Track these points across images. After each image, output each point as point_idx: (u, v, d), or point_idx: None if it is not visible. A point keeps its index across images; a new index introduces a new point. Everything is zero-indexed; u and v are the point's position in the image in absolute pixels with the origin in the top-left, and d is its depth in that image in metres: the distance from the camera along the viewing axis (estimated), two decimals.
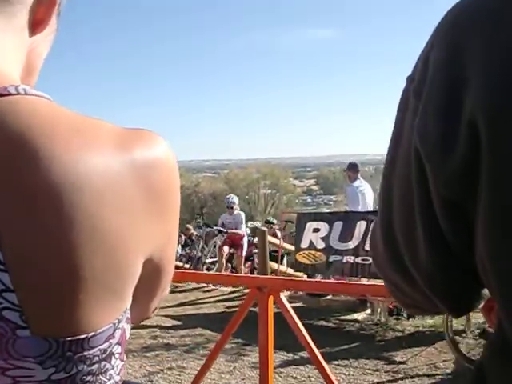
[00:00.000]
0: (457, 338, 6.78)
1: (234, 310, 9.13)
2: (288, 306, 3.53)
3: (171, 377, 6.46)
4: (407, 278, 0.86)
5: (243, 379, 6.34)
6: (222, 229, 12.63)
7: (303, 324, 3.59)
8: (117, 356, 0.79)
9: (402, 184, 0.82)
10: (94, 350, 0.74)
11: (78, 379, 0.74)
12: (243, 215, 13.04)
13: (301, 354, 6.62)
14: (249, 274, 11.32)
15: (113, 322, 0.76)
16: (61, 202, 0.68)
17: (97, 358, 0.75)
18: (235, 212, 12.80)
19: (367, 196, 9.94)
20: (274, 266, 10.57)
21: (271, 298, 3.47)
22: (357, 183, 9.97)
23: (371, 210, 9.66)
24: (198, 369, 6.54)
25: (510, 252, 0.69)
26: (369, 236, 8.34)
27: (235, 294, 10.40)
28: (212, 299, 10.02)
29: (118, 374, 0.81)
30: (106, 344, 0.76)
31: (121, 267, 0.75)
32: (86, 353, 0.73)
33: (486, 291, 0.82)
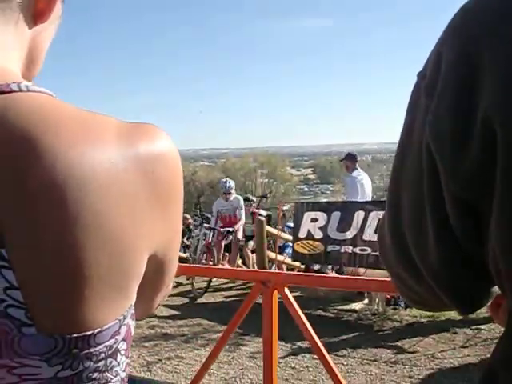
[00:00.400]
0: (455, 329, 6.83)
1: (231, 299, 9.17)
2: (293, 300, 3.53)
3: (170, 367, 6.48)
4: (414, 273, 0.85)
5: (241, 369, 6.36)
6: (213, 227, 11.66)
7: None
8: (122, 353, 0.79)
9: (411, 179, 0.82)
10: (100, 346, 0.74)
11: (85, 376, 0.73)
12: (242, 200, 12.01)
13: (299, 343, 6.65)
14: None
15: (118, 318, 0.76)
16: (65, 199, 0.68)
17: (103, 355, 0.75)
18: (232, 197, 11.72)
19: (366, 186, 9.91)
20: (272, 255, 10.58)
21: (276, 293, 3.47)
22: (355, 173, 9.91)
23: (369, 200, 9.67)
24: (197, 359, 6.61)
25: None
26: (366, 231, 8.38)
27: (232, 284, 10.42)
28: (210, 289, 10.03)
29: (124, 371, 0.81)
30: (112, 340, 0.75)
31: (126, 263, 0.74)
32: (92, 349, 0.73)
33: (494, 288, 0.82)
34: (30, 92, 0.74)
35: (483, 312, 6.59)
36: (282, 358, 6.46)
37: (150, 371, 6.34)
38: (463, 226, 0.76)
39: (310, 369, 6.18)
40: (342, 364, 6.29)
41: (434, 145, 0.75)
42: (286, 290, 3.52)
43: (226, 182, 12.05)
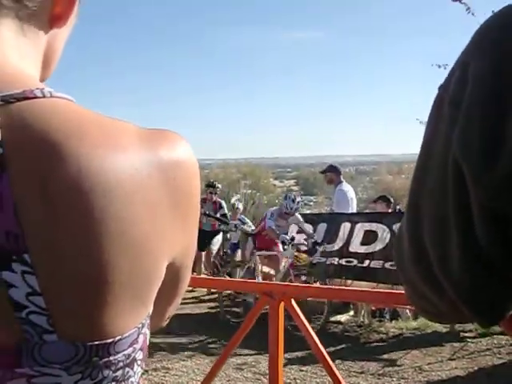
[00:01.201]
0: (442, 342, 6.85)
1: (217, 310, 9.13)
2: (299, 312, 3.52)
3: (156, 378, 6.44)
4: (435, 287, 0.85)
5: (228, 381, 6.35)
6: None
7: (289, 326, 3.60)
8: (139, 363, 0.78)
9: (434, 189, 0.82)
10: (119, 355, 0.73)
11: None
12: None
13: (298, 353, 6.64)
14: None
15: (137, 326, 0.75)
16: (90, 205, 0.68)
17: (121, 364, 0.74)
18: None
19: (354, 200, 9.94)
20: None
21: (282, 305, 3.46)
22: (345, 186, 9.90)
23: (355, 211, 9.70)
24: (183, 370, 6.60)
25: None
26: (352, 243, 8.41)
27: (217, 295, 10.38)
28: (195, 299, 10.00)
29: (138, 382, 0.80)
30: (130, 349, 0.75)
31: (147, 270, 0.74)
32: (111, 358, 0.72)
33: None
34: (52, 98, 0.73)
35: (469, 325, 6.66)
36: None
37: None
38: (489, 234, 0.76)
39: (311, 380, 6.17)
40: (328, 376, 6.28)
41: (463, 159, 0.75)
42: (293, 302, 3.51)
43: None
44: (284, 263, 9.01)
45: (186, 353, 7.24)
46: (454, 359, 6.64)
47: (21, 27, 0.79)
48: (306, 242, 8.88)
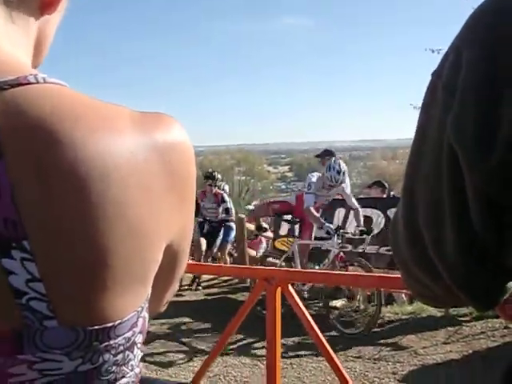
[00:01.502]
0: (437, 326, 6.87)
1: (213, 297, 9.14)
2: (296, 297, 3.54)
3: (153, 365, 6.46)
4: (430, 271, 0.85)
5: (225, 367, 6.37)
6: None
7: (284, 312, 3.61)
8: (139, 346, 0.79)
9: (429, 174, 0.82)
10: (120, 338, 0.74)
11: (104, 370, 0.73)
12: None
13: (295, 338, 6.65)
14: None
15: (137, 309, 0.76)
16: (87, 189, 0.68)
17: (121, 348, 0.75)
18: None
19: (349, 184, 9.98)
20: (252, 252, 10.58)
21: (279, 290, 3.47)
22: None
23: None
24: (180, 356, 6.60)
25: None
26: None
27: (214, 281, 10.39)
28: (192, 286, 10.00)
29: (138, 366, 0.81)
30: (130, 332, 0.75)
31: (145, 254, 0.74)
32: (112, 341, 0.73)
33: (510, 284, 0.82)
34: (46, 83, 0.74)
35: (464, 309, 6.69)
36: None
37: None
38: (484, 218, 0.76)
39: (308, 364, 6.19)
40: (326, 361, 6.30)
41: (458, 144, 0.75)
42: (290, 287, 3.52)
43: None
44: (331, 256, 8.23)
45: (182, 340, 7.26)
46: (449, 343, 6.66)
47: (9, 14, 0.79)
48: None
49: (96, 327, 0.70)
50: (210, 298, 9.20)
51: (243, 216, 10.90)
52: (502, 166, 0.72)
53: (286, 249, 8.93)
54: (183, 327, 7.85)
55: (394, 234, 0.94)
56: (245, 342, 7.04)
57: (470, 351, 6.34)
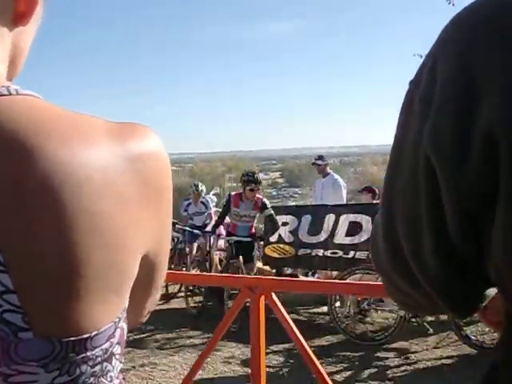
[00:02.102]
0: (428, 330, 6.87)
1: (197, 305, 9.10)
2: (280, 305, 3.53)
3: (144, 373, 6.43)
4: (409, 279, 0.86)
5: (215, 374, 6.34)
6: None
7: (273, 318, 3.62)
8: (117, 357, 0.79)
9: (407, 188, 0.82)
10: (97, 349, 0.73)
11: (81, 382, 0.73)
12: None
13: (280, 346, 6.64)
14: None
15: (114, 320, 0.75)
16: (60, 201, 0.68)
17: (99, 359, 0.74)
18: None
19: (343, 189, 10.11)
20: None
21: (263, 298, 3.47)
22: (336, 175, 10.15)
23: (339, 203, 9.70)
24: (171, 365, 6.59)
25: None
26: (337, 234, 8.40)
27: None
28: (182, 293, 9.97)
29: (118, 378, 0.81)
30: (108, 344, 0.75)
31: (120, 264, 0.74)
32: (89, 353, 0.72)
33: (488, 292, 0.83)
34: (19, 95, 0.74)
35: None
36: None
37: (123, 378, 6.23)
38: (462, 231, 0.77)
39: (294, 372, 6.18)
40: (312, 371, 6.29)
41: (434, 155, 0.75)
42: (274, 296, 3.52)
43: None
44: None
45: (173, 347, 7.24)
46: (440, 347, 6.69)
47: None
48: (290, 234, 8.86)
49: (72, 338, 0.70)
50: (200, 305, 9.15)
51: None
52: (478, 178, 0.72)
53: (277, 255, 8.92)
54: (174, 335, 7.82)
55: (374, 244, 0.94)
56: (236, 349, 7.02)
57: (461, 356, 6.36)
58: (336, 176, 10.27)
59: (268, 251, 9.06)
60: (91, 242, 0.70)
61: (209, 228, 10.44)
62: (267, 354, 6.56)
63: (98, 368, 0.75)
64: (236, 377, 6.34)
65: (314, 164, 10.55)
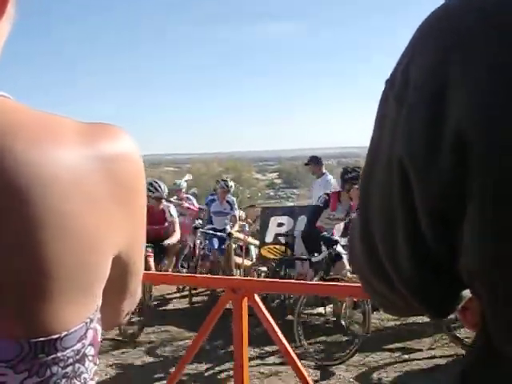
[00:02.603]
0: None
1: (199, 305, 9.12)
2: (262, 307, 3.53)
3: (138, 375, 6.42)
4: (386, 281, 0.86)
5: (195, 374, 6.34)
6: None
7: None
8: (90, 358, 0.78)
9: (382, 189, 0.83)
10: (68, 350, 0.73)
11: (52, 383, 0.72)
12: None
13: (268, 348, 6.65)
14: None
15: (85, 321, 0.75)
16: (28, 201, 0.67)
17: (70, 360, 0.74)
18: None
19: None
20: (239, 260, 10.56)
21: (245, 300, 3.47)
22: (329, 177, 10.08)
23: None
24: (166, 365, 6.58)
25: (499, 262, 0.70)
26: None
27: (199, 290, 10.36)
28: (177, 294, 9.98)
29: (92, 379, 0.80)
30: (79, 344, 0.74)
31: (90, 264, 0.74)
32: (59, 354, 0.72)
33: (464, 293, 0.83)
34: None
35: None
36: (252, 360, 6.47)
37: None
38: (436, 233, 0.77)
39: (281, 374, 6.18)
40: (311, 368, 6.30)
41: (407, 156, 0.76)
42: (256, 297, 3.52)
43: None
44: None
45: (167, 348, 7.26)
46: (434, 348, 6.70)
47: None
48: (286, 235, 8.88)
49: (41, 339, 0.69)
50: (195, 306, 9.17)
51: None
52: (449, 180, 0.72)
53: (273, 256, 8.93)
54: (168, 336, 7.82)
55: (352, 246, 0.95)
56: (217, 349, 7.05)
57: (455, 356, 6.37)
58: (329, 177, 10.22)
59: (264, 252, 9.08)
60: (60, 241, 0.69)
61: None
62: (256, 356, 6.66)
63: (69, 369, 0.74)
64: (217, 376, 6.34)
65: (306, 165, 10.53)
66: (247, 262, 10.29)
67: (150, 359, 6.90)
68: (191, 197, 11.38)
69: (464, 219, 0.72)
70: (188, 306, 9.26)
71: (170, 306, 9.54)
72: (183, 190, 11.10)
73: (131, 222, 0.82)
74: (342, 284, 4.22)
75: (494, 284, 0.72)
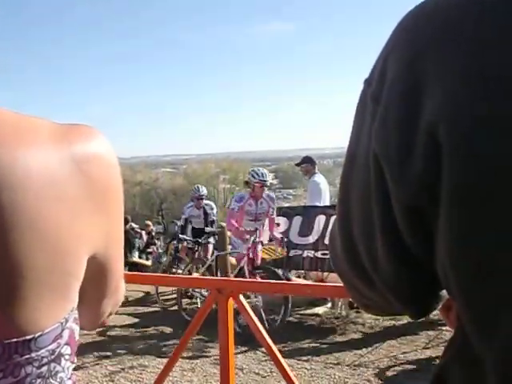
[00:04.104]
0: (417, 331, 6.88)
1: (195, 306, 9.10)
2: (247, 307, 3.53)
3: (133, 376, 6.42)
4: (366, 280, 0.86)
5: (205, 376, 6.33)
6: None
7: (265, 320, 3.60)
8: (67, 358, 0.78)
9: (360, 188, 0.82)
10: (42, 350, 0.73)
11: (28, 383, 0.72)
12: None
13: (263, 349, 6.63)
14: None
15: (60, 321, 0.75)
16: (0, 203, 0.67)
17: (45, 360, 0.74)
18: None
19: (326, 191, 9.92)
20: (233, 261, 10.54)
21: (231, 300, 3.47)
22: (317, 178, 9.90)
23: (328, 204, 9.68)
24: (160, 367, 6.53)
25: (471, 261, 0.69)
26: (326, 236, 8.41)
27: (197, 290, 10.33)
28: (172, 295, 9.97)
29: (70, 379, 0.80)
30: (54, 344, 0.74)
31: (64, 265, 0.74)
32: (33, 354, 0.72)
33: (444, 292, 0.83)
34: None
35: None
36: (246, 363, 6.47)
37: (112, 381, 6.26)
38: (412, 233, 0.77)
39: (274, 374, 6.16)
40: (306, 368, 6.30)
41: (381, 154, 0.76)
42: (241, 298, 3.51)
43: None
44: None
45: (162, 349, 7.21)
46: (429, 347, 6.69)
47: None
48: (281, 236, 8.86)
49: (14, 340, 0.69)
50: (191, 306, 9.15)
51: (225, 224, 10.85)
52: (422, 178, 0.72)
53: (268, 257, 8.92)
54: (163, 337, 7.80)
55: (333, 245, 0.94)
56: (205, 348, 7.05)
57: None
58: (315, 177, 10.01)
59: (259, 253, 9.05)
60: (32, 243, 0.69)
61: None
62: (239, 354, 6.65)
63: (44, 369, 0.74)
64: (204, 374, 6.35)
65: (297, 165, 10.41)
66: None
67: (145, 361, 6.88)
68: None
69: (437, 217, 0.72)
70: (184, 306, 9.23)
71: (166, 307, 9.52)
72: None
73: (107, 221, 0.82)
74: (330, 284, 4.20)
75: (467, 286, 0.72)
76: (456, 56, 0.70)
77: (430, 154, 0.70)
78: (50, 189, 0.72)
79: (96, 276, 0.84)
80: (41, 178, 0.71)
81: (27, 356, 0.71)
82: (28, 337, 0.71)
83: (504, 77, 0.66)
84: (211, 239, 10.23)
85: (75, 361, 0.82)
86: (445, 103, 0.69)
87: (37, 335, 0.71)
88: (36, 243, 0.70)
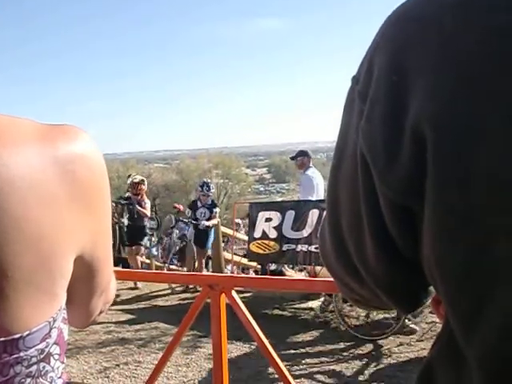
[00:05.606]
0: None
1: (188, 302, 9.11)
2: (240, 302, 3.53)
3: (128, 372, 6.41)
4: (355, 275, 0.87)
5: (200, 371, 6.33)
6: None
7: (259, 314, 3.61)
8: (56, 357, 0.78)
9: (348, 185, 0.83)
10: (31, 350, 0.73)
11: (17, 382, 0.72)
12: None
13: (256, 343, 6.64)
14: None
15: (48, 320, 0.75)
16: None
17: (34, 359, 0.74)
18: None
19: (320, 185, 9.90)
20: (228, 256, 10.56)
21: (223, 296, 3.47)
22: (311, 172, 9.87)
23: (322, 198, 9.69)
24: (155, 363, 6.54)
25: (456, 257, 0.70)
26: (319, 231, 8.42)
27: (191, 286, 10.35)
28: (166, 291, 9.97)
29: (60, 378, 0.80)
30: (43, 344, 0.75)
31: (50, 265, 0.74)
32: (22, 353, 0.72)
33: (432, 287, 0.83)
34: None
35: None
36: (240, 358, 6.48)
37: (107, 377, 6.26)
38: (399, 229, 0.77)
39: (269, 369, 6.19)
40: (300, 362, 6.31)
41: (367, 151, 0.76)
42: (234, 293, 3.52)
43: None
44: None
45: (157, 345, 7.22)
46: (423, 340, 6.70)
47: None
48: (274, 230, 8.87)
49: (2, 339, 0.70)
50: (184, 302, 9.16)
51: (219, 219, 10.86)
52: (408, 175, 0.72)
53: (262, 252, 8.93)
54: (158, 332, 7.80)
55: (322, 240, 0.95)
56: (199, 343, 7.06)
57: None
58: (308, 171, 10.01)
59: (253, 247, 9.06)
60: (17, 245, 0.69)
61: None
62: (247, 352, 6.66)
63: (33, 368, 0.74)
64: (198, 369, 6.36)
65: (292, 159, 10.41)
66: (237, 258, 10.31)
67: (140, 356, 6.88)
68: None
69: (422, 214, 0.73)
70: (178, 302, 9.25)
71: (158, 303, 9.53)
72: None
73: (93, 220, 0.82)
74: (322, 279, 4.21)
75: (451, 282, 0.73)
76: (438, 53, 0.70)
77: (415, 150, 0.71)
78: (34, 190, 0.72)
79: (85, 275, 0.84)
80: (24, 179, 0.71)
81: (16, 355, 0.71)
82: (16, 336, 0.71)
83: (485, 74, 0.67)
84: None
85: (65, 360, 0.82)
86: (429, 100, 0.70)
87: (25, 334, 0.72)
88: (21, 244, 0.70)
